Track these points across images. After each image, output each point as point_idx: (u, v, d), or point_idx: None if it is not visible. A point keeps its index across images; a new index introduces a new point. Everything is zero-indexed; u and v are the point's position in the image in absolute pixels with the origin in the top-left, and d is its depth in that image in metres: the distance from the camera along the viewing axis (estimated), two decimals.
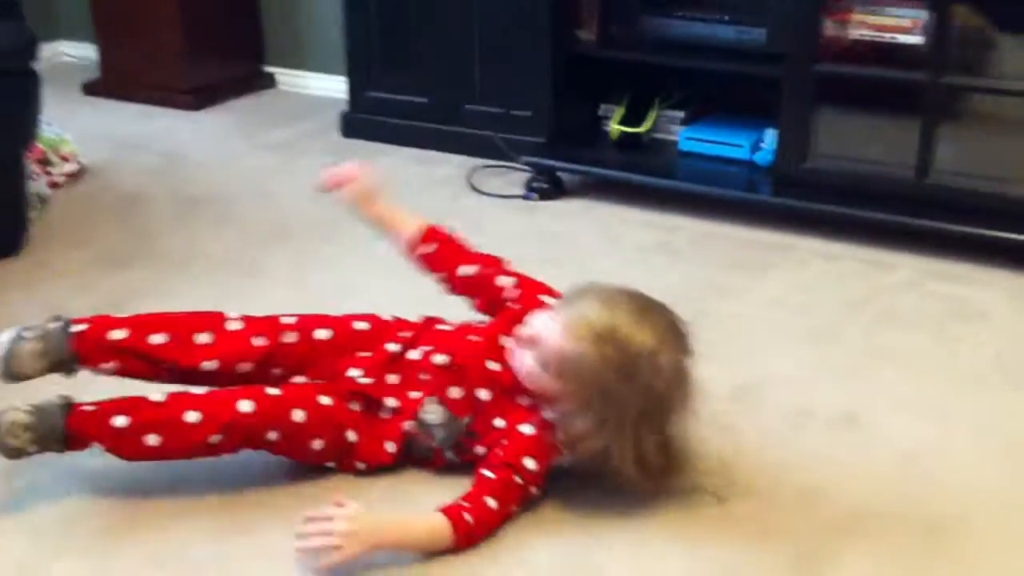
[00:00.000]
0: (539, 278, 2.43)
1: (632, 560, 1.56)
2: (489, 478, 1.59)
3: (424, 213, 2.75)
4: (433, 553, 1.53)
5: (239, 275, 2.45)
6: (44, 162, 2.82)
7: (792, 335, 2.19)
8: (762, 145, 2.81)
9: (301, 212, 2.79)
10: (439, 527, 1.53)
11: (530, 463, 1.61)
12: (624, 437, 1.56)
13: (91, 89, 3.75)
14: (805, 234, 2.63)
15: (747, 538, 1.60)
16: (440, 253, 1.84)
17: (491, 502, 1.57)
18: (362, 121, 3.31)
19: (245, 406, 1.60)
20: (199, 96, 3.60)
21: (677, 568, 1.54)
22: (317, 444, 1.65)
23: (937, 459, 1.78)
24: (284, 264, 2.51)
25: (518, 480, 1.59)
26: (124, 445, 1.59)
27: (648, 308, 1.62)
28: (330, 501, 1.52)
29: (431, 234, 1.86)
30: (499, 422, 1.67)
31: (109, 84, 3.72)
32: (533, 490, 1.62)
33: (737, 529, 1.62)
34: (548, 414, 1.63)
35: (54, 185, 2.82)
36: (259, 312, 1.80)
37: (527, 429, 1.64)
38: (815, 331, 2.20)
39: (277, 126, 3.44)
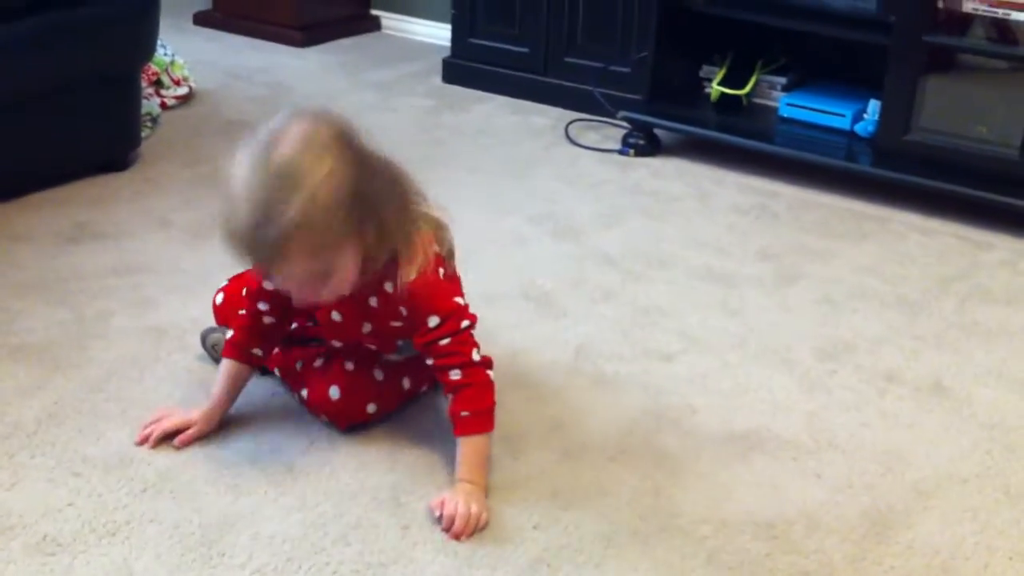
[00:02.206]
0: (631, 231, 2.48)
1: (706, 497, 1.59)
2: (439, 369, 1.57)
3: (517, 161, 2.83)
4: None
5: None
6: (157, 83, 2.90)
7: (883, 302, 2.19)
8: (864, 115, 2.79)
9: (399, 149, 2.79)
10: (478, 443, 1.56)
11: (433, 320, 1.56)
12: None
13: (202, 19, 3.84)
14: (902, 207, 2.61)
15: (826, 490, 1.62)
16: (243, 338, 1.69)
17: (456, 374, 1.56)
18: (462, 68, 3.34)
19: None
20: (307, 34, 3.67)
21: (758, 508, 1.57)
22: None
23: (1021, 433, 1.78)
24: None
25: (444, 342, 1.56)
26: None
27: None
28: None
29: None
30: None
31: (220, 16, 3.80)
32: (464, 323, 1.58)
33: (817, 482, 1.64)
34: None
35: (164, 106, 2.90)
36: None
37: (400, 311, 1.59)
38: (906, 300, 2.20)
39: (380, 67, 3.49)
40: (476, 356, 1.57)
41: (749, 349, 2.00)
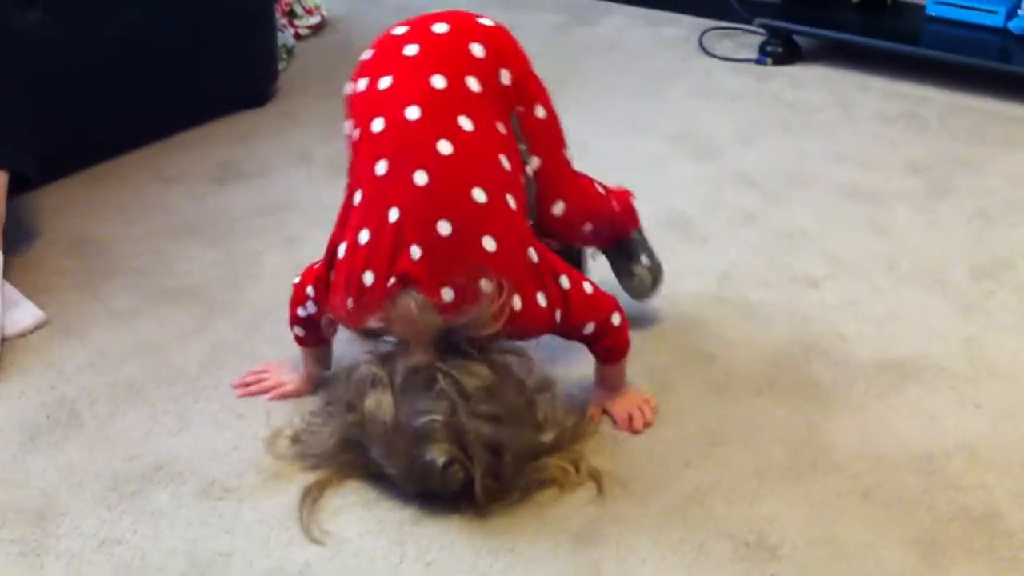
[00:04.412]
0: (771, 148, 2.40)
1: (860, 431, 1.56)
2: (578, 335, 1.53)
3: (651, 77, 2.76)
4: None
5: None
6: (290, 14, 2.92)
7: None
8: (1019, 12, 2.63)
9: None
10: (616, 366, 1.59)
11: (557, 315, 1.47)
12: None
13: None
14: None
15: (987, 420, 1.58)
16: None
17: (589, 328, 1.52)
18: None
19: None
20: None
21: (915, 441, 1.54)
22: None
23: None
24: None
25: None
26: None
27: None
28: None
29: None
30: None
31: None
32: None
33: (977, 412, 1.60)
34: None
35: (298, 37, 2.92)
36: None
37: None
38: None
39: None
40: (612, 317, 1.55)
41: (900, 271, 1.94)
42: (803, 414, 1.60)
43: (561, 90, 2.71)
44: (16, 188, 1.93)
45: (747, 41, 2.89)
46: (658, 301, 1.85)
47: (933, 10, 2.75)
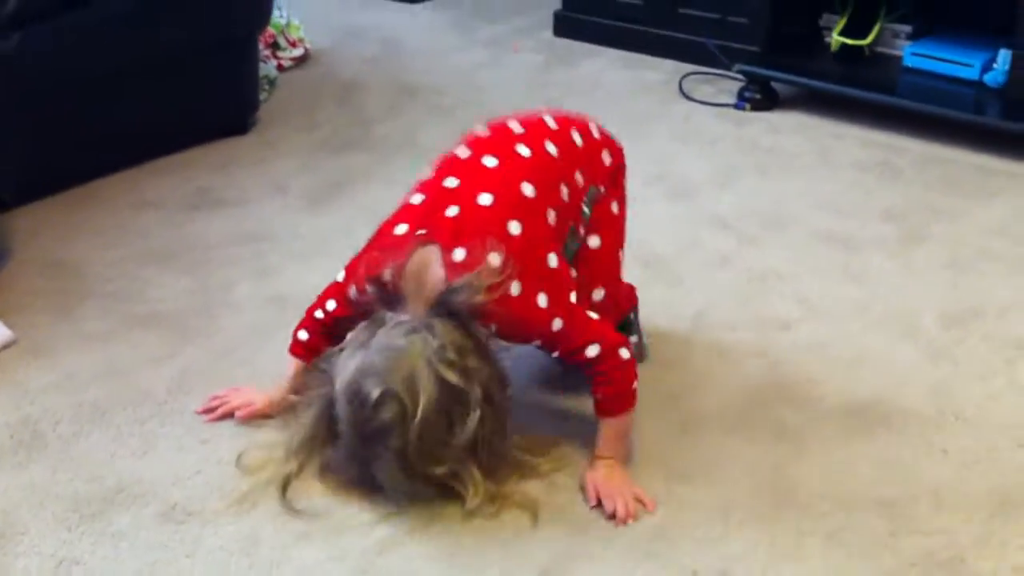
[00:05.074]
0: (747, 191, 2.42)
1: (826, 472, 1.56)
2: (581, 358, 1.51)
3: (630, 119, 2.78)
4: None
5: None
6: (274, 46, 2.94)
7: (1014, 265, 2.11)
8: (994, 65, 2.67)
9: (509, 105, 2.79)
10: (619, 424, 1.54)
11: (557, 323, 1.48)
12: None
13: None
14: None
15: (953, 466, 1.58)
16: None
17: (593, 350, 1.49)
18: (574, 20, 3.30)
19: None
20: None
21: (881, 484, 1.54)
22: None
23: None
24: None
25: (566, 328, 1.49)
26: None
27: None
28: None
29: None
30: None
31: None
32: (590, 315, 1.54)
33: (943, 457, 1.60)
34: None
35: (281, 68, 2.93)
36: None
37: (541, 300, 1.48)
38: None
39: (491, 22, 3.47)
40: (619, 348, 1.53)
41: (871, 316, 1.95)
42: (770, 455, 1.61)
43: None
44: None
45: (726, 87, 2.93)
46: None
47: (910, 61, 2.79)
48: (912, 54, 2.79)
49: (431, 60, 3.15)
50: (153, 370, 1.77)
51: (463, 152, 1.61)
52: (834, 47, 2.86)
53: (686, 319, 1.94)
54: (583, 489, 1.52)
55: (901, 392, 1.74)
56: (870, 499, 1.52)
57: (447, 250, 1.45)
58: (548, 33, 3.34)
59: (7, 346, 1.79)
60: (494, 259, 1.43)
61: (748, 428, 1.66)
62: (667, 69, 3.07)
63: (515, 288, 1.44)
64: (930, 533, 1.46)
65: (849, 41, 2.84)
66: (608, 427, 1.55)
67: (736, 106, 2.84)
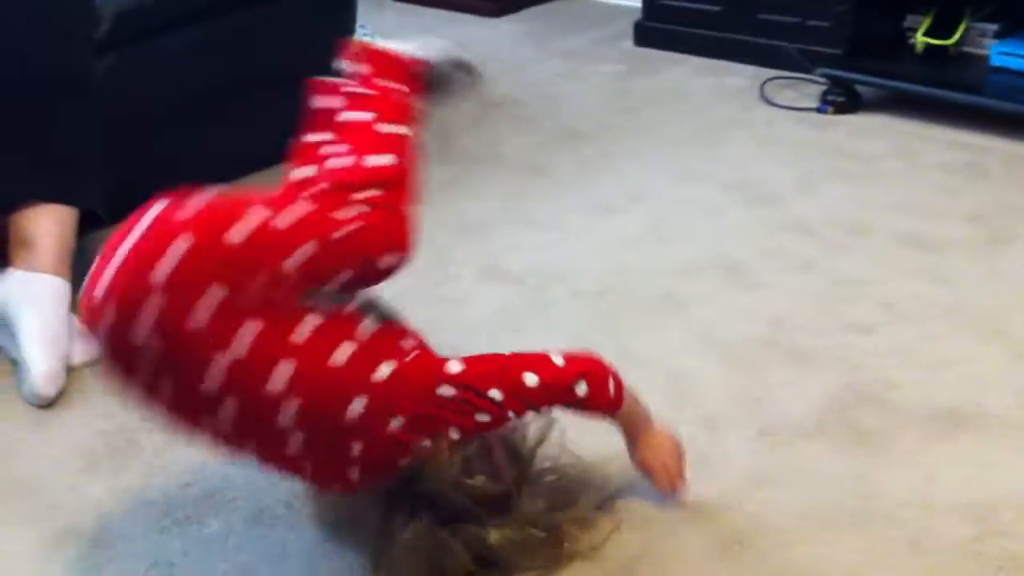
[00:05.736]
0: (830, 196, 2.40)
1: (909, 478, 1.54)
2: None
3: (711, 125, 2.78)
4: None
5: (531, 176, 2.54)
6: None
7: None
8: None
9: (589, 118, 2.84)
10: (624, 411, 1.47)
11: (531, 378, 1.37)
12: None
13: None
14: None
15: None
16: None
17: (559, 359, 1.39)
18: (654, 30, 3.30)
19: None
20: (500, 3, 3.70)
21: (965, 490, 1.52)
22: None
23: None
24: (572, 167, 2.58)
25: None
26: None
27: None
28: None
29: None
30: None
31: None
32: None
33: None
34: None
35: None
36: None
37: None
38: None
39: (570, 34, 3.49)
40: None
41: (957, 319, 1.92)
42: (851, 460, 1.59)
43: (618, 138, 2.77)
44: (87, 226, 2.00)
45: (809, 91, 2.90)
46: (707, 345, 1.86)
47: (997, 60, 2.73)
48: (999, 53, 2.73)
49: (512, 73, 3.18)
50: None
51: None
52: (918, 48, 2.81)
53: (764, 324, 1.92)
54: (644, 474, 1.50)
55: (986, 396, 1.71)
56: (954, 505, 1.49)
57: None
58: (628, 43, 3.35)
59: None
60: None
61: (829, 433, 1.65)
62: (748, 75, 3.05)
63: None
64: (1016, 537, 1.43)
65: (934, 41, 2.79)
66: (618, 419, 1.47)
67: (819, 110, 2.81)
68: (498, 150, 2.67)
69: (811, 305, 1.98)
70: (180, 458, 1.63)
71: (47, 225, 1.88)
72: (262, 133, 2.50)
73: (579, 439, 1.47)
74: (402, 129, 1.46)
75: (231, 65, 2.38)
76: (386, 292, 2.06)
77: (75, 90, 1.99)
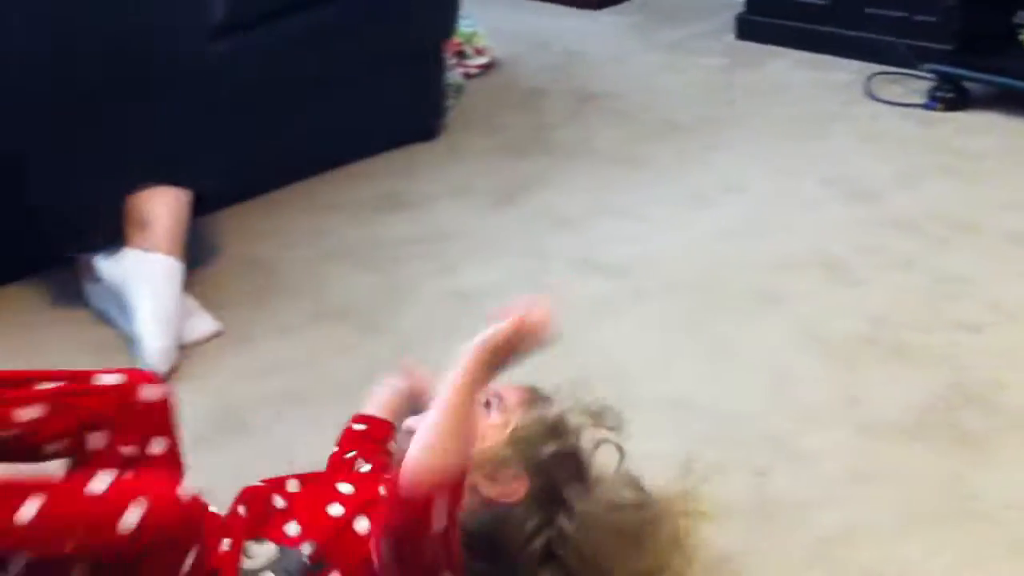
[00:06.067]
0: (935, 192, 2.36)
1: (1012, 481, 1.52)
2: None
3: (813, 120, 2.75)
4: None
5: (623, 169, 2.54)
6: (460, 54, 3.03)
7: None
8: None
9: (687, 111, 2.83)
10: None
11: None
12: None
13: None
14: None
15: None
16: None
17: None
18: (757, 23, 3.27)
19: None
20: None
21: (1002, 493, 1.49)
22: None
23: None
24: (665, 162, 2.57)
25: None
26: None
27: None
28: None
29: None
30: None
31: None
32: None
33: None
34: None
35: (467, 76, 3.03)
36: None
37: None
38: None
39: (671, 26, 3.48)
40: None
41: None
42: (953, 460, 1.57)
43: (718, 131, 2.75)
44: (199, 209, 2.07)
45: (916, 86, 2.84)
46: (805, 340, 1.85)
47: None
48: None
49: (611, 65, 3.19)
50: (343, 361, 1.86)
51: None
52: None
53: (864, 321, 1.90)
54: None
55: None
56: None
57: None
58: (731, 36, 3.32)
59: (215, 336, 1.92)
60: None
61: (930, 432, 1.62)
62: (852, 70, 3.00)
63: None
64: None
65: None
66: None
67: (926, 106, 2.76)
68: (592, 143, 2.68)
69: (914, 303, 1.95)
70: (286, 436, 1.67)
71: (162, 206, 1.94)
72: (367, 116, 2.56)
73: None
74: None
75: (339, 51, 2.42)
76: (479, 283, 2.10)
77: (190, 75, 2.06)
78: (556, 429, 1.32)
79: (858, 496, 1.51)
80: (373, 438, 1.53)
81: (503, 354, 1.24)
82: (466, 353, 1.22)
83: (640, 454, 1.37)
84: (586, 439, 1.34)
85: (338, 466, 1.49)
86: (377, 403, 1.59)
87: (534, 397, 1.37)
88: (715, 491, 1.48)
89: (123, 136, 1.94)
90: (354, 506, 1.29)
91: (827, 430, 1.64)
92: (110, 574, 1.11)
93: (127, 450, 1.31)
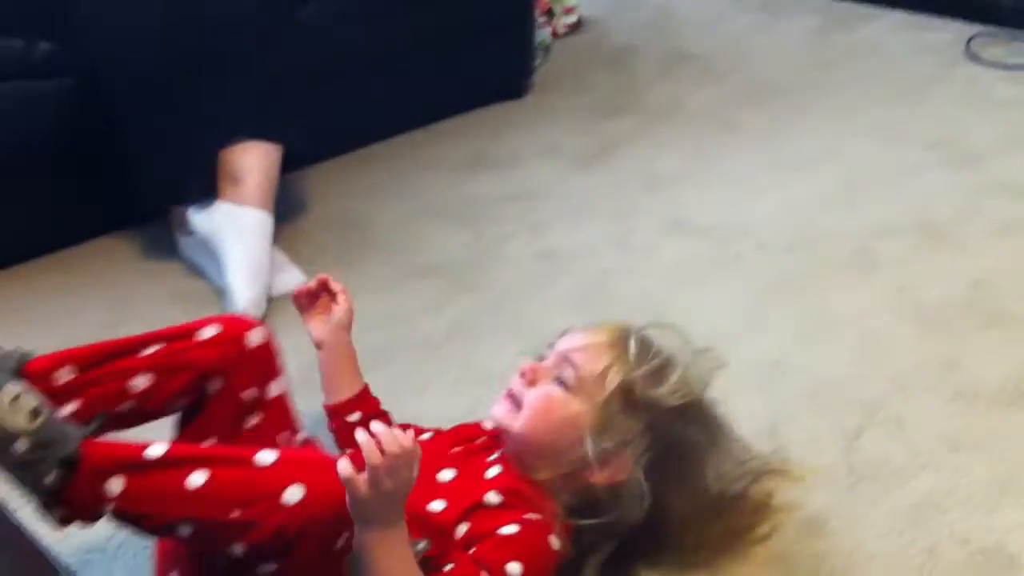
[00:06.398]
0: None
1: None
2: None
3: (912, 82, 2.67)
4: None
5: (715, 131, 2.50)
6: (549, 13, 3.01)
7: None
8: None
9: (781, 73, 2.77)
10: None
11: (514, 568, 1.18)
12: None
13: None
14: None
15: None
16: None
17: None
18: None
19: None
20: None
21: None
22: None
23: None
24: (758, 124, 2.52)
25: None
26: None
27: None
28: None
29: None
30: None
31: None
32: None
33: None
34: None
35: (555, 35, 3.00)
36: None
37: (510, 529, 1.22)
38: None
39: None
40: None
41: None
42: None
43: (813, 95, 2.69)
44: (290, 165, 2.09)
45: (1019, 48, 2.75)
46: (902, 305, 1.80)
47: None
48: None
49: (702, 26, 3.13)
50: (430, 317, 1.87)
51: None
52: None
53: (963, 286, 1.85)
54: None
55: None
56: None
57: None
58: None
59: None
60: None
61: None
62: (953, 30, 2.91)
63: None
64: None
65: None
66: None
67: None
68: (683, 104, 2.64)
69: (1014, 269, 1.89)
70: (372, 387, 1.68)
71: (253, 161, 1.97)
72: (457, 75, 2.56)
73: None
74: None
75: (426, 12, 2.42)
76: (567, 244, 2.09)
77: (280, 36, 2.08)
78: (640, 399, 1.29)
79: (953, 463, 1.47)
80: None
81: (382, 492, 1.09)
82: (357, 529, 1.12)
83: (731, 415, 1.36)
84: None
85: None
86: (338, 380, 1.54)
87: (606, 350, 1.32)
88: (807, 454, 1.48)
89: (219, 93, 1.97)
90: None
91: (922, 396, 1.60)
92: (268, 553, 1.12)
93: (247, 393, 1.33)
